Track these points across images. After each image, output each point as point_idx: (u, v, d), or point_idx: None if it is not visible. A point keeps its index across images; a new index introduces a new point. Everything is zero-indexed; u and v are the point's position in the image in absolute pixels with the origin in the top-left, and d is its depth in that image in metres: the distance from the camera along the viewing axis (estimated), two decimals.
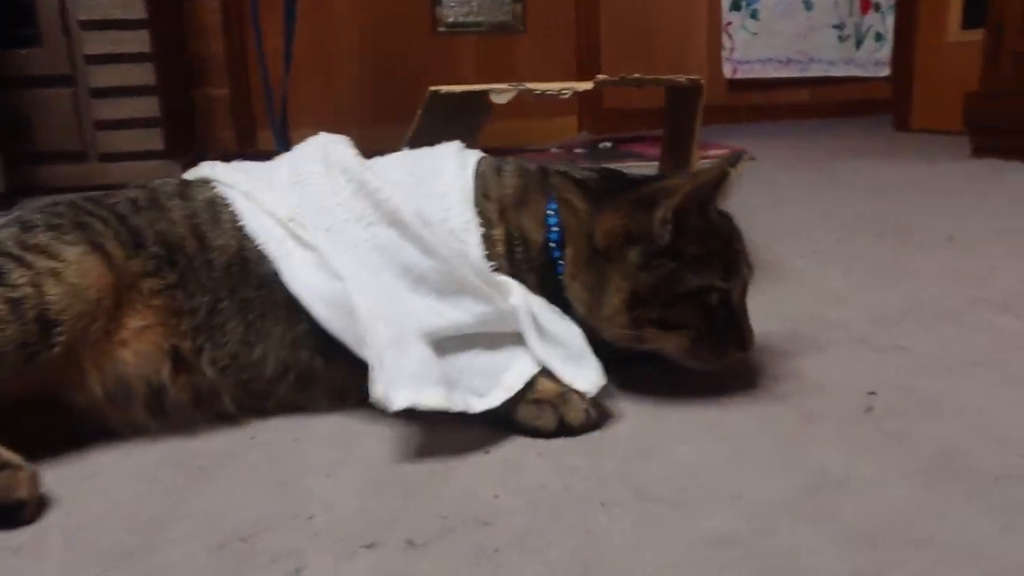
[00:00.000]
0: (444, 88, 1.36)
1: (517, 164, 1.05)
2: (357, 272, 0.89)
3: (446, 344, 0.89)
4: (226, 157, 1.05)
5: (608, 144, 3.48)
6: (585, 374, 0.91)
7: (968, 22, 3.81)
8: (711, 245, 0.94)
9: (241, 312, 0.92)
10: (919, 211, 2.10)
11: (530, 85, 1.29)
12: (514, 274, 0.96)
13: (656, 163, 2.11)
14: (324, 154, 0.99)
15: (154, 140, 2.91)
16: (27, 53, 2.76)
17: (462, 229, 0.94)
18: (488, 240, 0.96)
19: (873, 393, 0.97)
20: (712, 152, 3.21)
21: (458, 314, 0.89)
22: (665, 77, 1.33)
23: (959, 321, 1.23)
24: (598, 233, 0.95)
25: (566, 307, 0.97)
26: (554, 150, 3.39)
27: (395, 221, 0.91)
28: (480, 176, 1.00)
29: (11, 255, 0.85)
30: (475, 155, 1.04)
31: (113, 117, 2.85)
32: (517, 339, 0.93)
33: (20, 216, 0.94)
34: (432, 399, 0.83)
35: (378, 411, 0.84)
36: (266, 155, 1.09)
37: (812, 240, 1.81)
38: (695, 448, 0.85)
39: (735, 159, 0.94)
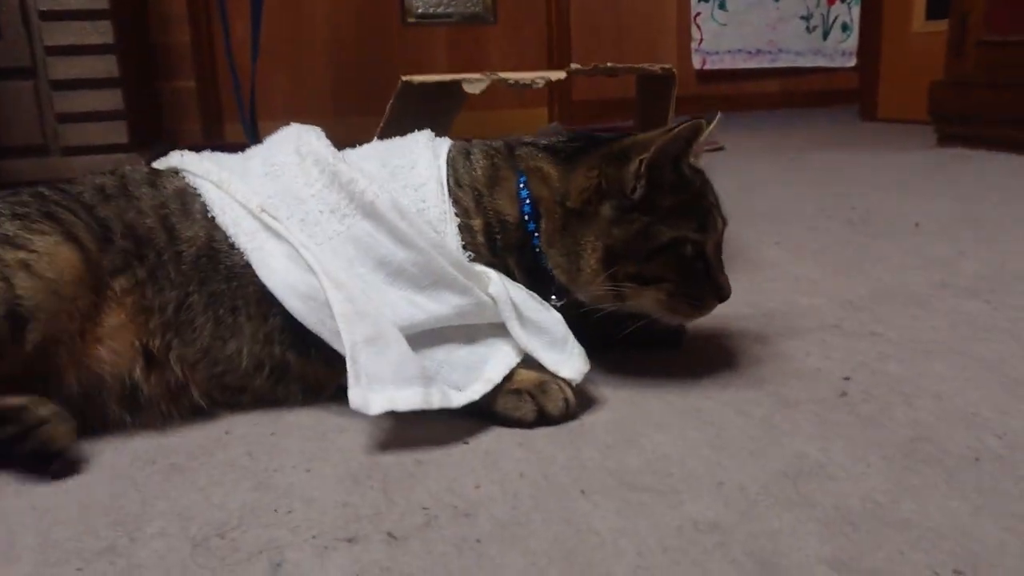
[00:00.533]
0: (417, 78, 1.34)
1: (484, 145, 1.04)
2: (332, 265, 0.88)
3: (425, 337, 0.88)
4: (194, 151, 1.03)
5: None
6: (569, 361, 0.91)
7: (932, 13, 3.87)
8: (684, 198, 0.94)
9: (211, 306, 0.90)
10: (887, 199, 2.13)
11: (503, 75, 1.28)
12: (495, 259, 0.96)
13: None
14: (297, 145, 0.98)
15: (118, 133, 2.84)
16: None
17: (439, 220, 0.93)
18: (467, 230, 0.95)
19: (848, 378, 0.98)
20: None
21: (436, 306, 0.88)
22: (638, 66, 1.33)
23: (928, 306, 1.25)
24: (572, 192, 0.95)
25: (546, 279, 0.97)
26: None
27: (370, 213, 0.89)
28: (451, 163, 0.99)
29: None
30: (446, 143, 1.04)
31: (75, 110, 2.78)
32: (496, 330, 0.92)
33: None
34: (409, 399, 0.82)
35: None
36: (235, 147, 1.07)
37: (783, 228, 1.82)
38: (675, 435, 0.85)
39: (709, 117, 0.94)
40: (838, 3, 4.25)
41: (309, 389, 0.94)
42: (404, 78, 1.35)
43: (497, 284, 0.91)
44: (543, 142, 1.02)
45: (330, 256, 0.89)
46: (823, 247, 1.65)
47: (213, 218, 0.93)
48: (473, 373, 0.88)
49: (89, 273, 0.86)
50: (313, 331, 0.87)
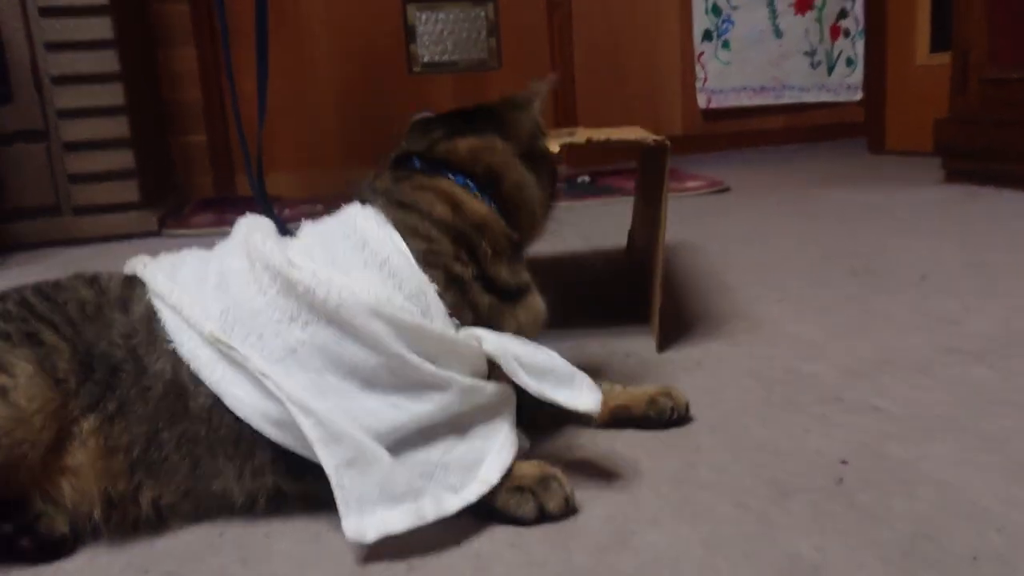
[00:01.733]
0: None
1: (395, 179, 1.05)
2: (297, 385, 0.84)
3: (414, 438, 0.87)
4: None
5: (586, 178, 3.49)
6: (582, 395, 0.91)
7: (936, 45, 3.87)
8: None
9: (184, 447, 0.87)
10: (893, 244, 2.11)
11: None
12: (491, 295, 0.97)
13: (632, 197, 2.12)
14: (247, 249, 0.93)
15: (130, 192, 2.89)
16: None
17: (417, 293, 0.89)
18: (455, 281, 0.93)
19: (845, 462, 0.96)
20: (689, 183, 3.23)
21: (419, 406, 0.87)
22: (630, 139, 1.33)
23: (933, 374, 1.23)
24: (526, 146, 1.10)
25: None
26: None
27: (334, 319, 0.85)
28: (396, 222, 0.93)
29: None
30: (372, 208, 0.96)
31: (87, 170, 2.83)
32: (488, 414, 0.92)
33: None
34: (402, 520, 0.81)
35: None
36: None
37: (787, 282, 1.81)
38: (669, 532, 0.84)
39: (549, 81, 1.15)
40: (841, 38, 4.27)
41: (308, 502, 0.91)
42: None
43: (491, 342, 0.89)
44: (416, 148, 1.09)
45: (296, 371, 0.85)
46: (826, 305, 1.63)
47: (174, 350, 0.89)
48: (471, 473, 0.87)
49: (60, 408, 0.85)
50: (300, 453, 0.86)
